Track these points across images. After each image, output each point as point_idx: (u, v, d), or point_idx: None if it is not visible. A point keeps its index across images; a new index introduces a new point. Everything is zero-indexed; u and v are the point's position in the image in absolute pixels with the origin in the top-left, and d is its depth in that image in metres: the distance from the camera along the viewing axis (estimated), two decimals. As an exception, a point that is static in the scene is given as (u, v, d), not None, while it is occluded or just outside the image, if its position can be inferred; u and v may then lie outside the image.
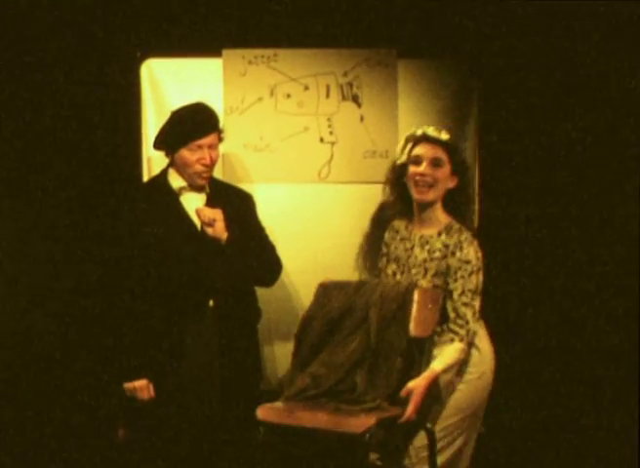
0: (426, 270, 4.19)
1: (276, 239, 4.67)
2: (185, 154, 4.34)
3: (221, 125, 4.49)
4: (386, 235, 4.44)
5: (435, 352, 4.02)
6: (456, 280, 4.10)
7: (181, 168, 4.37)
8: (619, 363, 4.84)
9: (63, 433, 4.91)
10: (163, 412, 4.24)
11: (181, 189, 4.40)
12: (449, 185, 4.27)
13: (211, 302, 4.30)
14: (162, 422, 4.24)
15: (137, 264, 4.28)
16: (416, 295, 3.94)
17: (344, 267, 4.83)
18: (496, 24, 4.97)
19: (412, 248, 4.28)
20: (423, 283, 4.16)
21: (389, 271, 4.32)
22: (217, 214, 4.27)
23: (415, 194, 4.26)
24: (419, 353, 3.88)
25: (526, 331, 4.99)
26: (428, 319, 3.94)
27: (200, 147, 4.33)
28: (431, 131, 4.31)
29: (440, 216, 4.28)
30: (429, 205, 4.26)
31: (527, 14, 4.94)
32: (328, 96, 4.96)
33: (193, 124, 4.36)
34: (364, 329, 3.88)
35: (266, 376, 4.74)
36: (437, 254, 4.19)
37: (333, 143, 4.95)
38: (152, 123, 4.88)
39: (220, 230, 4.27)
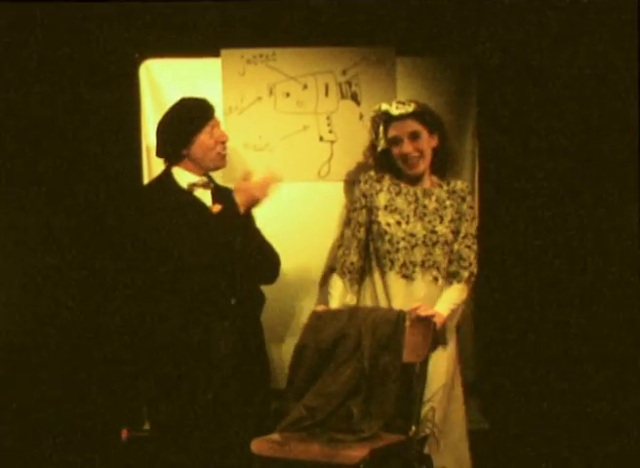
0: (442, 217, 4.35)
1: (276, 237, 4.69)
2: (204, 138, 4.36)
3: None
4: (363, 186, 4.49)
5: None
6: (462, 223, 4.32)
7: (202, 156, 4.37)
8: (624, 363, 4.87)
9: (67, 433, 4.99)
10: (183, 408, 4.24)
11: (192, 186, 4.39)
12: (432, 146, 4.41)
13: (233, 301, 4.30)
14: (180, 418, 4.24)
15: (156, 266, 4.27)
16: (407, 321, 3.96)
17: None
18: (493, 21, 4.94)
19: (416, 200, 4.37)
20: (441, 228, 4.31)
21: (391, 220, 4.36)
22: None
23: (406, 170, 4.41)
24: (414, 379, 3.92)
25: (528, 326, 5.01)
26: (421, 344, 3.99)
27: (214, 127, 4.39)
28: (395, 109, 4.38)
29: (429, 178, 4.45)
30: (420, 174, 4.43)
31: (525, 10, 4.91)
32: (327, 94, 4.96)
33: (200, 108, 4.42)
34: (357, 356, 3.92)
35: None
36: (447, 203, 4.37)
37: (332, 142, 4.96)
38: (152, 124, 4.87)
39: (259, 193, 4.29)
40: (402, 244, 4.32)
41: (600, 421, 4.87)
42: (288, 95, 4.95)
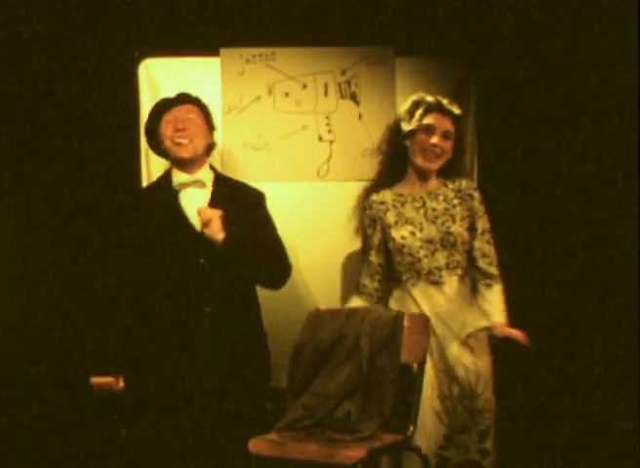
0: (453, 216, 4.34)
1: (274, 237, 4.72)
2: (162, 130, 4.35)
3: (218, 121, 4.57)
4: (369, 212, 4.46)
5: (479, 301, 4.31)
6: (477, 220, 4.35)
7: (166, 149, 4.36)
8: (624, 361, 4.86)
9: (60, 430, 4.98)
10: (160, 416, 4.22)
11: (181, 185, 4.33)
12: (447, 157, 4.41)
13: (207, 309, 4.22)
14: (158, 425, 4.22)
15: (133, 265, 4.26)
16: (406, 322, 3.94)
17: (343, 265, 4.91)
18: (492, 21, 4.94)
19: (423, 204, 4.36)
20: (456, 228, 4.31)
21: (404, 233, 4.35)
22: (214, 214, 4.18)
23: (421, 162, 4.37)
24: (412, 379, 3.92)
25: (528, 326, 4.98)
26: (419, 345, 3.97)
27: (174, 117, 4.33)
28: (446, 102, 4.36)
29: (435, 179, 4.43)
30: (431, 171, 4.40)
31: (523, 10, 4.91)
32: (326, 94, 4.96)
33: (157, 105, 4.45)
34: (355, 357, 3.90)
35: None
36: (455, 201, 4.37)
37: (331, 142, 4.96)
38: (150, 122, 4.92)
39: (215, 230, 4.16)
40: (422, 252, 4.31)
41: (599, 422, 4.86)
42: (287, 94, 4.95)
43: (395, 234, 4.37)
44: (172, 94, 4.78)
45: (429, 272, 4.31)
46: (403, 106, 4.46)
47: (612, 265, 4.92)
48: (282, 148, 4.95)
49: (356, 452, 3.59)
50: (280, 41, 4.92)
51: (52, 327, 4.96)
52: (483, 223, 4.37)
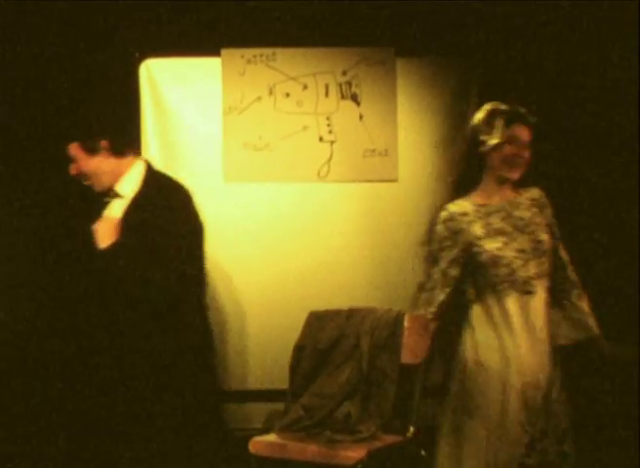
0: (538, 225, 4.22)
1: (275, 238, 4.76)
2: None
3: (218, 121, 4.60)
4: (449, 224, 4.22)
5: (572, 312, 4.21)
6: (554, 229, 4.25)
7: None
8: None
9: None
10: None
11: (112, 195, 4.20)
12: None
13: (97, 318, 4.08)
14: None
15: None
16: (406, 322, 3.95)
17: (344, 266, 4.91)
18: (493, 22, 4.93)
19: (509, 214, 4.29)
20: (544, 237, 4.18)
21: (498, 244, 4.16)
22: (99, 223, 4.09)
23: (506, 173, 4.21)
24: (412, 380, 3.93)
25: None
26: (419, 346, 3.96)
27: None
28: (524, 111, 4.31)
29: (510, 188, 4.29)
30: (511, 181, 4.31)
31: (524, 11, 4.91)
32: (327, 94, 4.96)
33: None
34: (356, 357, 3.92)
35: (262, 376, 4.88)
36: (535, 210, 4.25)
37: (332, 142, 4.97)
38: (151, 123, 4.94)
39: (97, 238, 4.05)
40: (517, 263, 4.19)
41: (599, 421, 4.86)
42: (288, 95, 4.96)
43: (488, 246, 4.17)
44: (172, 94, 4.88)
45: (524, 282, 4.20)
46: (477, 116, 4.26)
47: (615, 262, 4.93)
48: (283, 149, 4.95)
49: (356, 453, 3.60)
50: (281, 41, 4.92)
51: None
52: (558, 232, 4.28)
